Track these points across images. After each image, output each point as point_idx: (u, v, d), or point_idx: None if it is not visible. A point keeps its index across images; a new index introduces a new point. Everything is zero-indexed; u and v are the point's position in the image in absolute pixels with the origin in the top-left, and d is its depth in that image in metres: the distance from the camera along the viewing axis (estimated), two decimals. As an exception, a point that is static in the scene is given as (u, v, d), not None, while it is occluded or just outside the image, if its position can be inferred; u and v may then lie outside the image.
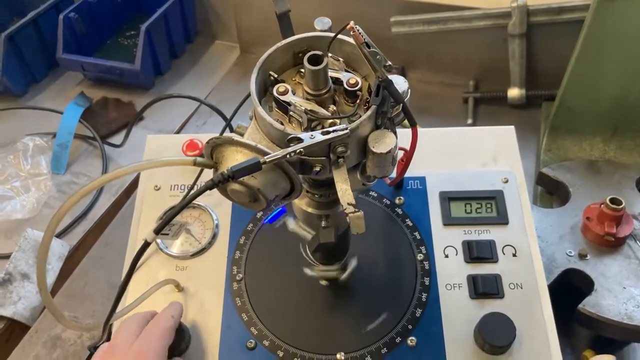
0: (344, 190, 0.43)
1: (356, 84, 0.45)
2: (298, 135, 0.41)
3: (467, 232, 0.73)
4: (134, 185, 1.07)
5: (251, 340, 0.67)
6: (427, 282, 0.70)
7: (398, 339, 0.66)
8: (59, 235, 0.98)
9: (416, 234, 0.73)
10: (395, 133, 0.45)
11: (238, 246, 0.74)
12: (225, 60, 1.37)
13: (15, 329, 0.87)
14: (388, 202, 0.76)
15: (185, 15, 1.32)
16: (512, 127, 0.81)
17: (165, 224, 0.41)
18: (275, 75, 0.47)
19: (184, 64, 1.36)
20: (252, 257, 0.73)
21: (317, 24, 0.49)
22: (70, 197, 0.41)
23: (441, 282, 0.70)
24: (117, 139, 1.15)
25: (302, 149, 0.40)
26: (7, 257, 0.93)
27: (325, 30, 0.49)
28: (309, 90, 0.45)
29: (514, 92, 1.14)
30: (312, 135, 0.41)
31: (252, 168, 0.39)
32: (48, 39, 1.25)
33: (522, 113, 1.16)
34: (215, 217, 0.76)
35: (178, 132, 1.18)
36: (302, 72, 0.46)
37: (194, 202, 0.73)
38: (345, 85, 0.45)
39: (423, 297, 0.69)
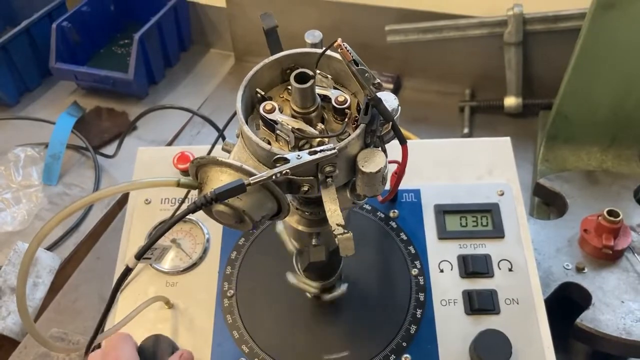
0: (333, 211, 0.42)
1: (345, 101, 0.44)
2: (284, 156, 0.39)
3: (462, 246, 0.72)
4: (125, 197, 1.05)
5: (242, 359, 0.66)
6: (421, 298, 0.69)
7: (392, 357, 0.65)
8: (50, 248, 0.97)
9: (410, 248, 0.72)
10: (385, 151, 0.44)
11: (229, 261, 0.73)
12: (220, 68, 1.36)
13: (5, 345, 0.86)
14: (382, 216, 0.75)
15: (179, 24, 1.31)
16: (508, 138, 0.80)
17: (147, 250, 0.39)
18: (262, 93, 0.46)
19: (178, 73, 1.35)
20: (244, 273, 0.72)
21: (307, 37, 0.48)
22: (49, 221, 0.39)
23: (436, 297, 0.69)
24: (110, 149, 1.14)
25: (288, 170, 0.39)
26: (-4, 270, 0.92)
27: (315, 44, 0.48)
28: (297, 108, 0.44)
29: (510, 101, 1.13)
30: (299, 156, 0.40)
31: (236, 190, 0.38)
32: (41, 48, 1.24)
33: (519, 122, 1.15)
34: (206, 232, 0.75)
35: (171, 142, 1.17)
36: (290, 89, 0.45)
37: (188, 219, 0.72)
38: (334, 103, 0.44)
39: (418, 313, 0.68)
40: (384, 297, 0.69)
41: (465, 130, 1.13)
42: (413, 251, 0.72)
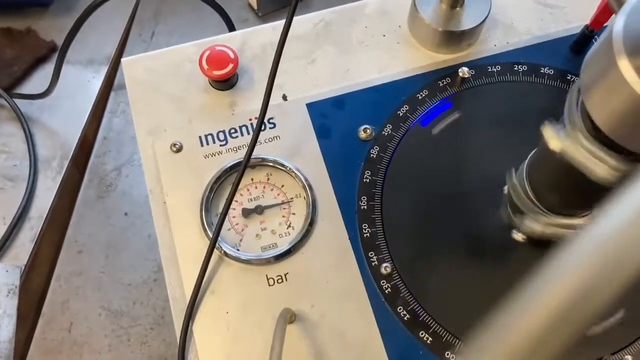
0: None
1: None
2: None
3: None
4: (82, 152, 0.69)
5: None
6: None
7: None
8: (-5, 258, 0.61)
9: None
10: None
11: (360, 212, 0.42)
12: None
13: None
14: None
15: None
16: None
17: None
18: None
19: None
20: (395, 233, 0.41)
21: None
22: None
23: None
24: (29, 86, 0.75)
25: None
26: None
27: None
28: None
29: None
30: None
31: None
32: None
33: None
34: (303, 178, 0.43)
35: (118, 56, 0.79)
36: None
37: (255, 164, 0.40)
38: None
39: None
40: None
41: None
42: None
